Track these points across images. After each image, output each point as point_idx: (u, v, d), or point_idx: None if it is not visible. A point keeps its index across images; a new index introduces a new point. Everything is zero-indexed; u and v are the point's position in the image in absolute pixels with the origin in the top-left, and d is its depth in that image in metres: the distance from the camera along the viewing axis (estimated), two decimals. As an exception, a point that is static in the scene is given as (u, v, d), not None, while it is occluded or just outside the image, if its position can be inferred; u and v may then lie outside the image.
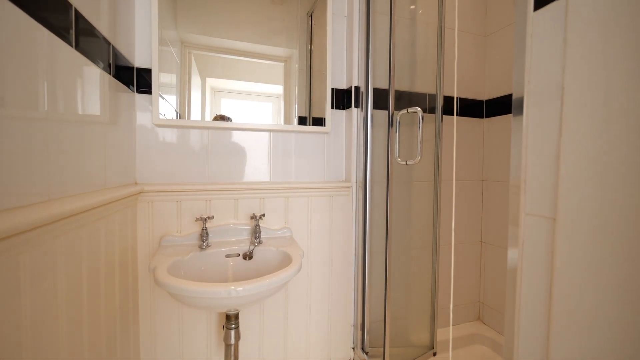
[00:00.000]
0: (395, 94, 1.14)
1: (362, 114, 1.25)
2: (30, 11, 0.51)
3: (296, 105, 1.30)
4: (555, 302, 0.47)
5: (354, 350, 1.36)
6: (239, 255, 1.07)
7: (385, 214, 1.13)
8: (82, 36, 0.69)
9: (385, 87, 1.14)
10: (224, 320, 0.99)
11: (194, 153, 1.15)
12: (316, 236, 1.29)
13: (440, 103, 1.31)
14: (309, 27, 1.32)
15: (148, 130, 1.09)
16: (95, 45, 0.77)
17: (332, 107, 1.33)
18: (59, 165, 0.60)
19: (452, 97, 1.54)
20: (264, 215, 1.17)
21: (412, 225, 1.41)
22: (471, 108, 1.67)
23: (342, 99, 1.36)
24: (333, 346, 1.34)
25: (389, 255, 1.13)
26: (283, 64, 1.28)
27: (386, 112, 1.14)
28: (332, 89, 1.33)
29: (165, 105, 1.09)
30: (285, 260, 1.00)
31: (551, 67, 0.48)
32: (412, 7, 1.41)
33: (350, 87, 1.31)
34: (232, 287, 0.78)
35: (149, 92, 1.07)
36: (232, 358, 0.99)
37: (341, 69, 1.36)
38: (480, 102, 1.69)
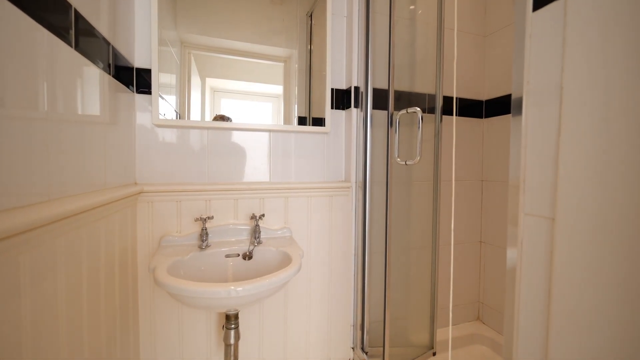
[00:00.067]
0: (395, 94, 1.14)
1: (362, 114, 1.25)
2: (30, 12, 0.51)
3: (296, 106, 1.30)
4: (554, 302, 0.47)
5: (353, 350, 1.36)
6: (238, 255, 1.07)
7: (384, 214, 1.13)
8: (82, 36, 0.69)
9: (385, 87, 1.14)
10: (224, 320, 0.99)
11: (193, 153, 1.15)
12: (316, 236, 1.29)
13: (439, 103, 1.31)
14: (309, 27, 1.33)
15: (148, 130, 1.09)
16: (95, 45, 0.77)
17: (332, 107, 1.33)
18: (58, 165, 0.60)
19: (452, 97, 1.54)
20: (263, 215, 1.17)
21: (411, 225, 1.41)
22: (471, 108, 1.67)
23: (342, 99, 1.36)
24: (333, 346, 1.34)
25: (389, 255, 1.13)
26: (283, 64, 1.29)
27: (386, 112, 1.14)
28: (332, 89, 1.33)
29: (165, 105, 1.09)
30: (285, 260, 1.00)
31: (550, 67, 0.48)
32: (412, 7, 1.41)
33: (350, 87, 1.31)
34: (232, 287, 0.78)
35: (149, 92, 1.07)
36: (232, 358, 0.99)
37: (341, 69, 1.36)
38: (479, 102, 1.69)
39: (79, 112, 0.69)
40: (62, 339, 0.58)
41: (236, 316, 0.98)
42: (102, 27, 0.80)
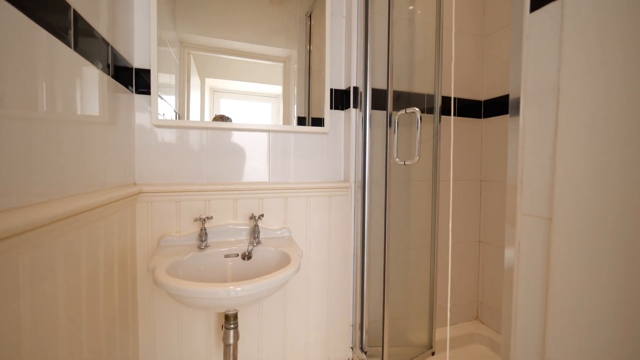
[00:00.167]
0: (394, 95, 1.14)
1: (361, 114, 1.26)
2: (29, 12, 0.51)
3: (295, 106, 1.30)
4: (551, 302, 0.47)
5: (352, 350, 1.37)
6: (237, 255, 1.07)
7: (383, 214, 1.14)
8: (81, 37, 0.69)
9: (384, 87, 1.14)
10: (223, 320, 0.99)
11: (193, 153, 1.15)
12: (315, 236, 1.30)
13: (438, 103, 1.31)
14: (308, 27, 1.33)
15: (147, 130, 1.09)
16: (94, 46, 0.77)
17: (331, 108, 1.34)
18: (58, 165, 0.60)
19: (450, 98, 1.54)
20: (262, 215, 1.17)
21: (410, 225, 1.41)
22: (469, 108, 1.67)
23: (341, 99, 1.36)
24: (332, 346, 1.35)
25: (388, 255, 1.13)
26: (282, 64, 1.29)
27: (385, 112, 1.14)
28: (331, 90, 1.33)
29: (164, 105, 1.10)
30: (284, 260, 1.00)
31: (548, 67, 0.49)
32: (411, 7, 1.41)
33: (349, 87, 1.31)
34: (231, 287, 0.78)
35: (148, 93, 1.07)
36: (231, 358, 0.99)
37: (340, 69, 1.36)
38: (478, 103, 1.69)
39: (78, 112, 0.69)
40: (62, 339, 0.58)
41: (235, 316, 0.98)
42: (101, 27, 0.80)
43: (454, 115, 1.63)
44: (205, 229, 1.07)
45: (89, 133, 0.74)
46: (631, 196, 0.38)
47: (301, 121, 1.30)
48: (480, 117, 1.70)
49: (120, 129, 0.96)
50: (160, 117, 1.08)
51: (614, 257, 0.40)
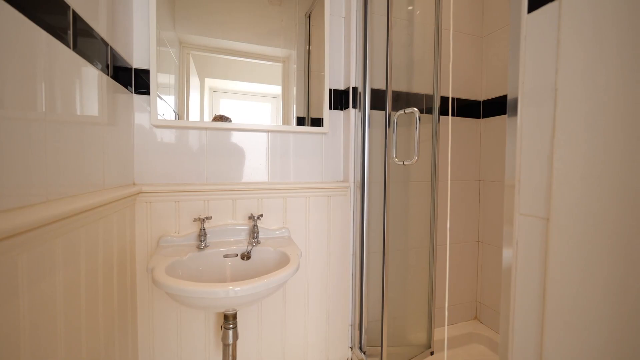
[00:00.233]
0: (393, 95, 1.14)
1: (360, 115, 1.26)
2: (28, 13, 0.51)
3: (294, 106, 1.30)
4: (549, 302, 0.47)
5: (351, 350, 1.37)
6: (237, 255, 1.07)
7: (382, 214, 1.14)
8: (80, 37, 0.69)
9: (383, 87, 1.14)
10: (222, 320, 0.99)
11: (192, 153, 1.15)
12: (314, 236, 1.30)
13: (437, 104, 1.31)
14: (307, 28, 1.33)
15: (146, 130, 1.09)
16: (93, 46, 0.77)
17: (330, 108, 1.34)
18: (57, 166, 0.60)
19: (449, 98, 1.54)
20: (262, 215, 1.17)
21: (409, 225, 1.42)
22: (468, 108, 1.68)
23: (340, 99, 1.37)
24: (331, 346, 1.35)
25: (387, 255, 1.14)
26: (281, 64, 1.29)
27: (383, 112, 1.14)
28: (330, 90, 1.33)
29: (164, 105, 1.10)
30: (283, 260, 1.01)
31: (545, 68, 0.49)
32: (410, 8, 1.42)
33: (348, 87, 1.31)
34: (230, 287, 0.78)
35: (147, 93, 1.07)
36: (230, 358, 0.99)
37: (339, 69, 1.36)
38: (477, 103, 1.70)
39: (78, 112, 0.69)
40: (60, 339, 0.58)
41: (234, 316, 0.98)
42: (100, 28, 0.80)
43: (453, 115, 1.63)
44: (204, 229, 1.07)
45: (88, 133, 0.74)
46: (628, 196, 0.39)
47: (300, 121, 1.31)
48: (478, 117, 1.71)
49: (120, 129, 0.96)
50: (159, 117, 1.08)
51: (611, 257, 0.40)
